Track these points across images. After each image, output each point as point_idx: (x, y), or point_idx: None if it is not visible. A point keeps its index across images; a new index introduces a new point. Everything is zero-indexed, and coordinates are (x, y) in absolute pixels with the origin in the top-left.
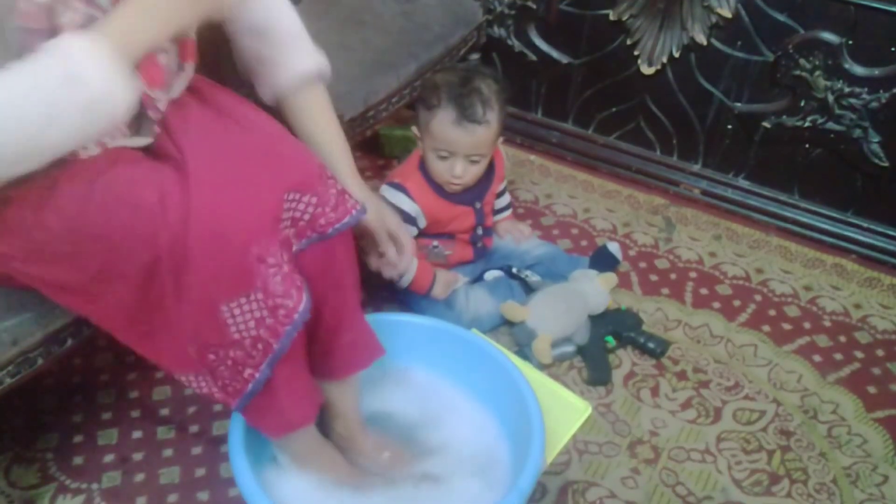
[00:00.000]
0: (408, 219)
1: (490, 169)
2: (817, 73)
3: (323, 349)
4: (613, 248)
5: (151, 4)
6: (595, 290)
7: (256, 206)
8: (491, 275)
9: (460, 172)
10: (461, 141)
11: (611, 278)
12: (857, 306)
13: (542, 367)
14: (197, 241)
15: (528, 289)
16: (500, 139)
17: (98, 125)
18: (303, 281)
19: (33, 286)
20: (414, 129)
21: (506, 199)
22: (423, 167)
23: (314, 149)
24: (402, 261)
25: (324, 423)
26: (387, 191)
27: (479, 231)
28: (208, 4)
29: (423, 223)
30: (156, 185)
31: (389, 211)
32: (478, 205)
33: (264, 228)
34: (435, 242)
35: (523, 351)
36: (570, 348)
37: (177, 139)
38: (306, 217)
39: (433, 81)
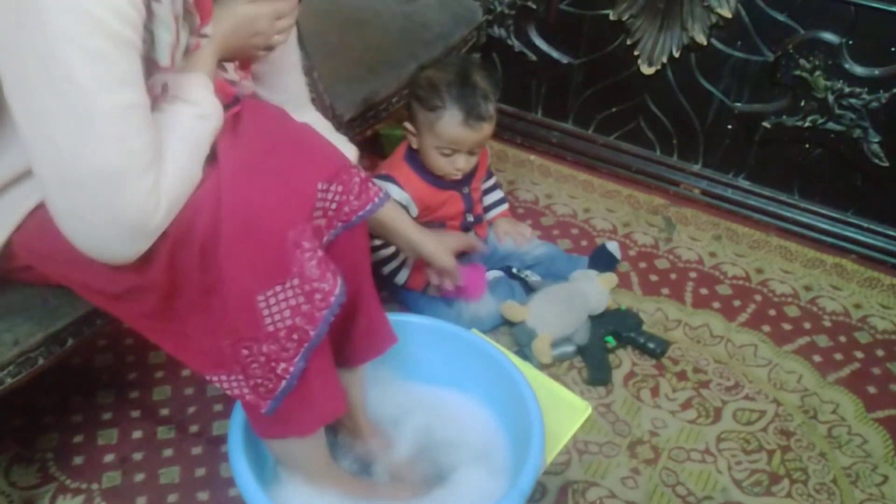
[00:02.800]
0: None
1: None
2: (817, 73)
3: (338, 337)
4: (612, 246)
5: (214, 41)
6: (595, 290)
7: (291, 194)
8: (491, 275)
9: (463, 166)
10: (468, 139)
11: (611, 279)
12: (857, 306)
13: (541, 366)
14: (230, 232)
15: (529, 289)
16: None
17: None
18: (336, 266)
19: (67, 286)
20: (407, 125)
21: (498, 193)
22: (409, 157)
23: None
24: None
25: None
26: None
27: (470, 217)
28: (250, 40)
29: (414, 211)
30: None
31: (452, 239)
32: (465, 190)
33: (300, 215)
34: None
35: (523, 351)
36: (570, 348)
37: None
38: (333, 206)
39: (429, 80)
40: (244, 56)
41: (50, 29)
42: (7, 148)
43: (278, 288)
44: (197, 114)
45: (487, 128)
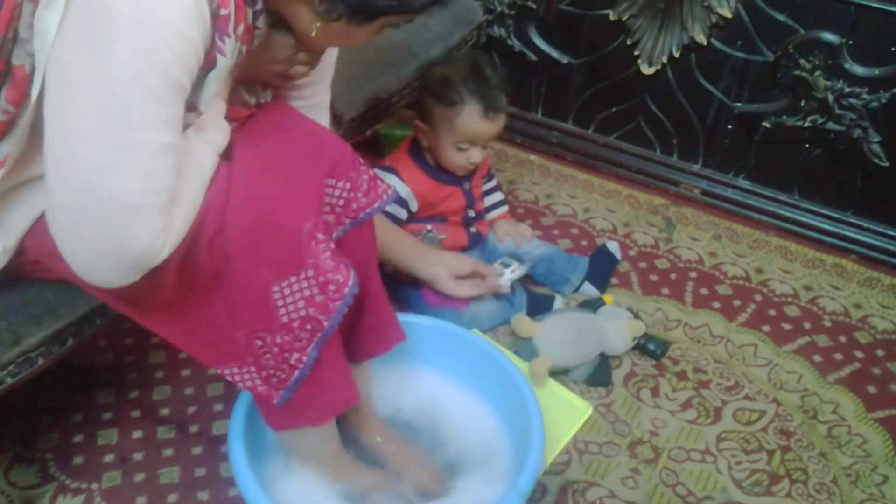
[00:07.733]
0: (399, 201)
1: None
2: (817, 73)
3: (346, 332)
4: (613, 246)
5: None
6: (616, 332)
7: (301, 188)
8: None
9: (478, 159)
10: (486, 132)
11: (637, 327)
12: (857, 306)
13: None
14: (243, 226)
15: (527, 290)
16: None
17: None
18: (347, 260)
19: (73, 283)
20: (419, 123)
21: (498, 195)
22: (413, 151)
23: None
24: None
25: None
26: (378, 174)
27: (471, 213)
28: (267, 66)
29: (414, 206)
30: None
31: (457, 260)
32: (466, 186)
33: (311, 208)
34: (429, 227)
35: None
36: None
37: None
38: (341, 203)
39: (444, 77)
40: (259, 79)
41: (117, 61)
42: (39, 148)
43: (293, 279)
44: (204, 139)
45: (502, 119)
